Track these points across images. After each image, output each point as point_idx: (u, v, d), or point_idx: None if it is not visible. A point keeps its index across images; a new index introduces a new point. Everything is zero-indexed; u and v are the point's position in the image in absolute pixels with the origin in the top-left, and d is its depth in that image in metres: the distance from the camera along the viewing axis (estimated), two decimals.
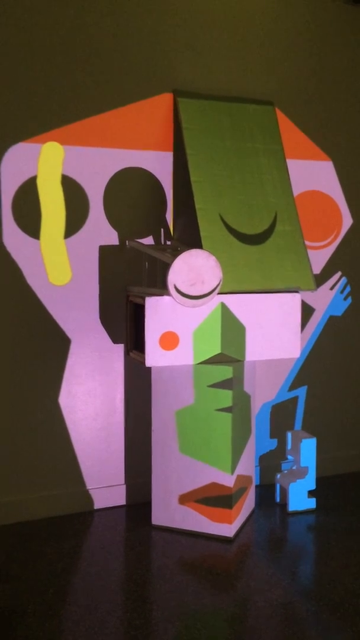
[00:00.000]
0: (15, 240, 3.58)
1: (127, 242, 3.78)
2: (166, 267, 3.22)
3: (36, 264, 3.63)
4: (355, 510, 3.89)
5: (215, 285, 3.25)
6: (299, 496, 3.85)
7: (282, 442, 4.29)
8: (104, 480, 3.89)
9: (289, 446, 3.99)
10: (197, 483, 3.50)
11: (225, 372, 3.40)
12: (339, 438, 4.51)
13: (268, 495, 4.06)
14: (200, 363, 3.44)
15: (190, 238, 3.66)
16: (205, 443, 3.46)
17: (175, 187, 3.87)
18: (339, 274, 4.40)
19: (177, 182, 3.85)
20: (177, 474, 3.54)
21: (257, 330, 3.52)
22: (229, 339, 3.47)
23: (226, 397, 3.41)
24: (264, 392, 4.22)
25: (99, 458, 3.86)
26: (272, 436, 4.30)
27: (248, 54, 4.02)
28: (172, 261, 3.15)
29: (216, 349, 3.46)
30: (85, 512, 3.81)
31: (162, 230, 3.89)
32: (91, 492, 3.85)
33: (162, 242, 3.90)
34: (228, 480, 3.45)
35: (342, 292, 4.42)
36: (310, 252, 4.09)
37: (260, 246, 3.63)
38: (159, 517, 3.61)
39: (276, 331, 3.55)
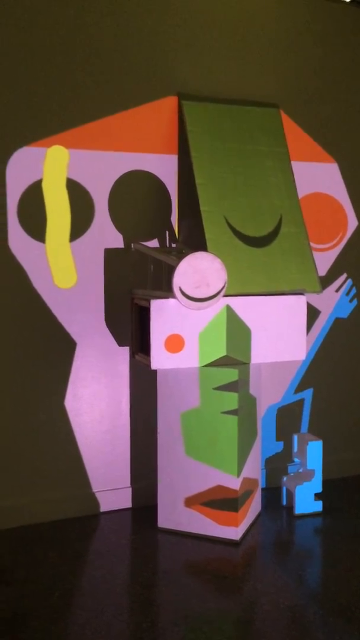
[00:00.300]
0: (21, 244, 3.59)
1: (132, 244, 3.79)
2: (171, 269, 3.22)
3: (42, 267, 3.63)
4: None
5: (220, 288, 3.25)
6: (306, 499, 3.83)
7: (288, 445, 4.28)
8: (110, 483, 3.88)
9: (295, 449, 3.98)
10: (203, 486, 3.50)
11: (230, 374, 3.40)
12: (346, 440, 4.50)
13: (274, 498, 4.05)
14: (206, 365, 3.44)
15: (195, 240, 3.66)
16: (211, 446, 3.46)
17: (180, 189, 3.87)
18: (344, 276, 4.39)
19: (181, 184, 3.85)
20: (182, 477, 3.53)
21: (262, 333, 3.51)
22: (234, 341, 3.47)
23: (232, 400, 3.40)
24: (269, 394, 4.21)
25: (104, 461, 3.86)
26: (278, 439, 4.29)
27: (252, 57, 4.02)
28: (177, 264, 3.15)
29: (221, 352, 3.45)
30: (91, 515, 3.81)
31: (167, 232, 3.90)
32: (97, 495, 3.85)
33: (167, 244, 3.90)
34: (234, 483, 3.44)
35: (347, 294, 4.41)
36: (315, 254, 4.08)
37: (266, 248, 3.62)
38: (164, 520, 3.61)
39: (282, 333, 3.55)
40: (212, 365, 3.44)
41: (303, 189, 4.14)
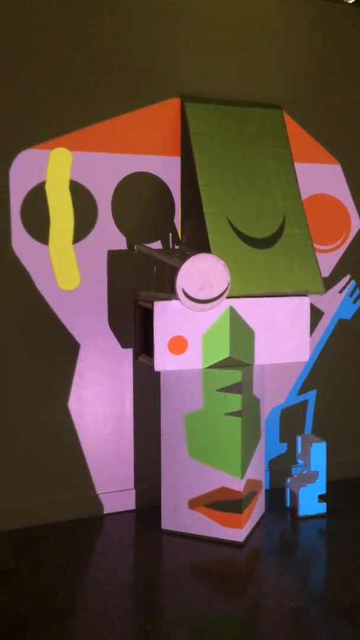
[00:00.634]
0: (24, 246, 3.60)
1: (135, 246, 3.79)
2: (175, 271, 3.22)
3: (45, 269, 3.64)
4: None
5: (223, 289, 3.25)
6: (310, 500, 3.83)
7: (292, 446, 4.28)
8: (114, 485, 3.88)
9: (299, 450, 3.98)
10: (207, 487, 3.49)
11: (234, 376, 3.40)
12: (349, 442, 4.49)
13: (278, 500, 4.05)
14: (209, 367, 3.44)
15: (198, 242, 3.66)
16: (214, 447, 3.45)
17: (183, 191, 3.88)
18: (348, 277, 4.39)
19: (185, 186, 3.86)
20: (186, 479, 3.53)
21: (266, 334, 3.51)
22: (237, 342, 3.47)
23: (235, 401, 3.40)
24: (273, 396, 4.21)
25: (108, 462, 3.86)
26: (281, 440, 4.28)
27: (255, 58, 4.02)
28: (181, 265, 3.16)
29: (225, 353, 3.45)
30: (94, 517, 3.81)
31: (170, 234, 3.90)
32: (101, 496, 3.85)
33: (171, 246, 3.91)
34: (238, 484, 3.44)
35: (351, 295, 4.41)
36: (319, 255, 4.07)
37: (269, 250, 3.62)
38: (168, 521, 3.61)
39: (285, 335, 3.54)
40: (216, 367, 3.44)
41: (306, 190, 4.14)
